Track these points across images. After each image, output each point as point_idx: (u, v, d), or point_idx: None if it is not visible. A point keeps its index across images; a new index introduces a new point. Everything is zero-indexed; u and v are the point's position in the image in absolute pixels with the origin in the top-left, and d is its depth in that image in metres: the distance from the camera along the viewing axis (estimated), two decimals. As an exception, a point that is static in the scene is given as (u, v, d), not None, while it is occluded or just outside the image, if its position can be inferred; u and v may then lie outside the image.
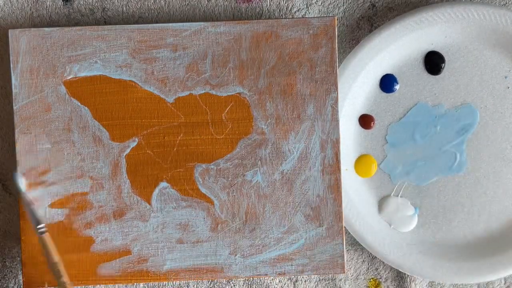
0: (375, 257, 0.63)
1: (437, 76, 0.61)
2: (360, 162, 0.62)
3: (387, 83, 0.61)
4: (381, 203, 0.62)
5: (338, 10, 0.62)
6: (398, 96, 0.61)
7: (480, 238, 0.62)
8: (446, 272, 0.61)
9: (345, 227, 0.61)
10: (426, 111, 0.61)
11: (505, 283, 0.63)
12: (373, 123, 0.62)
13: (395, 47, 0.60)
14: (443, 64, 0.61)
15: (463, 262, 0.61)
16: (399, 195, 0.62)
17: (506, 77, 0.61)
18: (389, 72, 0.61)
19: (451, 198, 0.62)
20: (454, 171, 0.61)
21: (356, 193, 0.62)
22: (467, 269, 0.61)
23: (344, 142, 0.61)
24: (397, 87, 0.61)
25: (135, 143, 0.58)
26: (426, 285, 0.63)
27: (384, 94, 0.61)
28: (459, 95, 0.61)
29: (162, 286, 0.63)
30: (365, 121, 0.62)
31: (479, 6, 0.59)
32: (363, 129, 0.62)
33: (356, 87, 0.61)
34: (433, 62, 0.61)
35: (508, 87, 0.61)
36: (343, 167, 0.61)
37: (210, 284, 0.63)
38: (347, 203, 0.61)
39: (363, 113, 0.62)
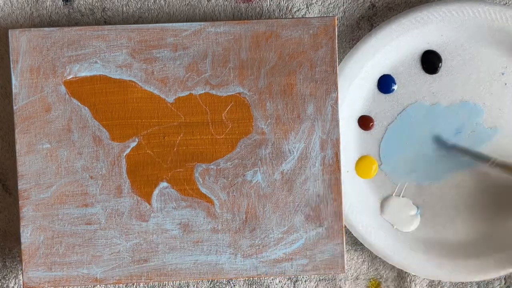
0: (375, 257, 0.63)
1: (434, 75, 0.61)
2: (361, 163, 0.62)
3: (384, 83, 0.61)
4: (383, 203, 0.62)
5: (338, 10, 0.62)
6: (396, 97, 0.61)
7: (483, 236, 0.62)
8: (452, 271, 0.61)
9: (348, 229, 0.61)
10: (425, 110, 0.61)
11: (505, 283, 0.63)
12: (372, 124, 0.62)
13: (391, 47, 0.60)
14: (440, 63, 0.61)
15: (468, 260, 0.61)
16: (401, 195, 0.62)
17: (503, 74, 0.61)
18: (386, 73, 0.61)
19: (453, 196, 0.62)
20: (455, 169, 0.61)
21: (357, 194, 0.62)
22: (473, 267, 0.61)
23: (344, 144, 0.61)
24: (395, 87, 0.61)
25: (135, 143, 0.58)
26: (426, 285, 0.63)
27: (382, 94, 0.61)
28: (457, 93, 0.61)
29: (162, 286, 0.63)
30: (364, 122, 0.62)
31: (474, 4, 0.59)
32: (362, 131, 0.62)
33: (354, 89, 0.61)
34: (430, 61, 0.61)
35: (506, 84, 0.61)
36: (343, 169, 0.61)
37: (210, 284, 0.63)
38: (349, 205, 0.61)
39: (362, 114, 0.62)
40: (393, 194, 0.62)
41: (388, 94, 0.61)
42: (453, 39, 0.61)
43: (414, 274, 0.62)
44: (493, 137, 0.61)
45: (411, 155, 0.62)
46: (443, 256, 0.61)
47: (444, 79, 0.61)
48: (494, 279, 0.63)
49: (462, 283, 0.63)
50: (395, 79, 0.61)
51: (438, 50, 0.61)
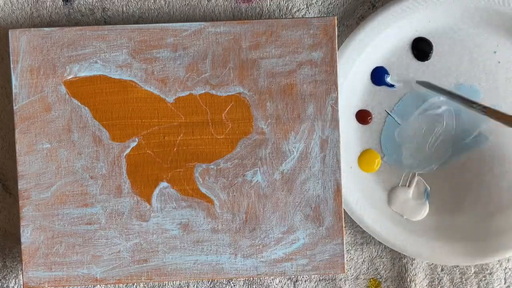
0: (375, 257, 0.63)
1: (427, 62, 0.61)
2: (363, 158, 0.62)
3: (378, 76, 0.61)
4: (390, 195, 0.62)
5: (338, 10, 0.62)
6: (391, 87, 0.61)
7: (493, 215, 0.61)
8: (466, 254, 0.60)
9: (358, 224, 0.61)
10: (421, 98, 0.61)
11: (505, 283, 0.63)
12: (370, 118, 0.62)
13: (381, 39, 0.60)
14: (431, 49, 0.61)
15: (481, 242, 0.60)
16: (407, 185, 0.62)
17: (495, 52, 0.61)
18: (378, 65, 0.61)
19: (459, 180, 0.61)
20: (458, 153, 0.61)
21: (363, 189, 0.61)
22: (487, 248, 0.60)
23: (345, 140, 0.61)
24: (388, 78, 0.61)
25: (135, 143, 0.58)
26: (426, 285, 0.63)
27: (377, 87, 0.61)
28: (452, 76, 0.61)
29: (162, 286, 0.63)
30: (362, 116, 0.62)
31: None
32: (361, 125, 0.62)
33: (348, 84, 0.61)
34: (420, 48, 0.61)
35: (499, 62, 0.61)
36: (347, 165, 0.61)
37: (210, 284, 0.63)
38: (357, 201, 0.61)
39: (359, 109, 0.62)
40: (399, 185, 0.62)
41: (383, 86, 0.61)
42: (441, 23, 0.61)
43: (430, 262, 0.61)
44: None
45: (413, 144, 0.62)
46: (456, 240, 0.60)
47: (437, 64, 0.61)
48: (494, 279, 0.63)
49: (462, 282, 0.63)
50: (388, 70, 0.61)
51: (428, 37, 0.61)
